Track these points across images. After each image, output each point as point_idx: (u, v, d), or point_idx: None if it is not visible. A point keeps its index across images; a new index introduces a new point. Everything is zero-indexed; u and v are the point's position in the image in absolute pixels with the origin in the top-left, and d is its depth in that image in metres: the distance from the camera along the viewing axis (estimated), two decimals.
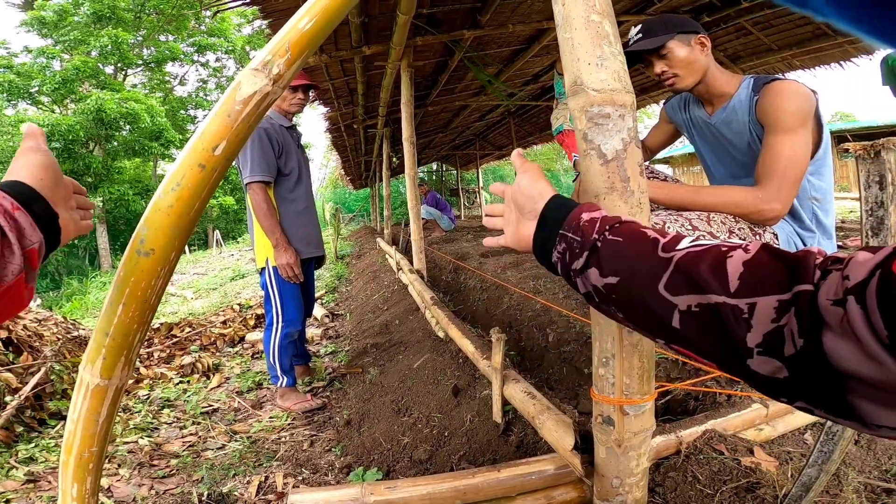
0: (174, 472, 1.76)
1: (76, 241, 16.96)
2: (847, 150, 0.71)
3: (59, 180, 0.61)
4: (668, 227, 1.33)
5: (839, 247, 2.58)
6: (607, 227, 0.52)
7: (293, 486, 1.55)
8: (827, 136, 1.30)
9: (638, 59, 1.40)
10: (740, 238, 1.42)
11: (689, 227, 1.40)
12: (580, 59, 0.77)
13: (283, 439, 1.98)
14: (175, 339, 3.68)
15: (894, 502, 0.91)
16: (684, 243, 0.45)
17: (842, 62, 4.64)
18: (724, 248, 0.41)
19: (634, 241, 0.48)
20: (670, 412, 1.32)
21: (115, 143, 16.36)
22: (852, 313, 0.30)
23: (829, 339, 0.32)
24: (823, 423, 1.17)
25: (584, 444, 0.93)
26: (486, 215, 0.78)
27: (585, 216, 0.55)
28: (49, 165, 0.60)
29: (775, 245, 1.43)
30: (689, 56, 1.34)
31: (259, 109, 0.62)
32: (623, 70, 0.78)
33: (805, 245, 1.43)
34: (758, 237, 1.43)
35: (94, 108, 14.02)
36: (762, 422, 1.13)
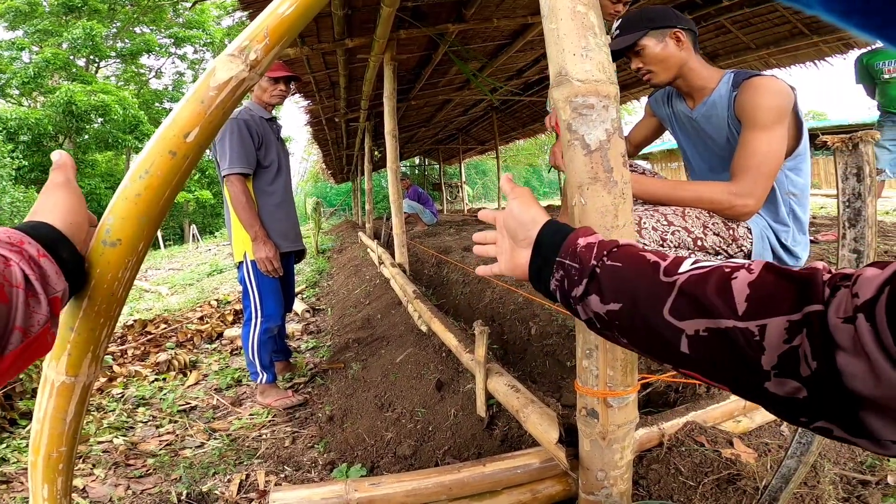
0: (151, 471, 1.71)
1: None
2: (824, 143, 0.72)
3: (86, 220, 0.58)
4: (644, 222, 1.34)
5: (811, 241, 2.65)
6: (605, 252, 0.51)
7: (275, 484, 1.52)
8: (806, 133, 1.31)
9: (622, 54, 1.40)
10: (714, 233, 1.44)
11: (665, 222, 1.41)
12: (565, 49, 0.76)
13: (263, 437, 1.94)
14: (150, 336, 3.58)
15: (869, 493, 0.93)
16: (685, 266, 0.44)
17: (816, 61, 4.78)
18: (727, 270, 0.41)
19: (634, 265, 0.48)
20: (651, 404, 1.34)
21: (87, 136, 15.85)
22: (862, 331, 0.30)
23: (842, 359, 0.31)
24: None
25: (569, 438, 0.94)
26: (477, 244, 0.76)
27: (582, 241, 0.54)
28: (78, 208, 0.57)
29: (748, 239, 1.45)
30: (662, 52, 1.34)
31: (235, 96, 0.59)
32: (608, 61, 0.78)
33: (779, 238, 1.45)
34: (731, 231, 1.45)
35: (63, 101, 13.57)
36: (740, 413, 1.15)
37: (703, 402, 1.13)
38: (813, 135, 1.19)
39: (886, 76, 2.98)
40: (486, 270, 0.75)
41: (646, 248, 0.50)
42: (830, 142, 0.70)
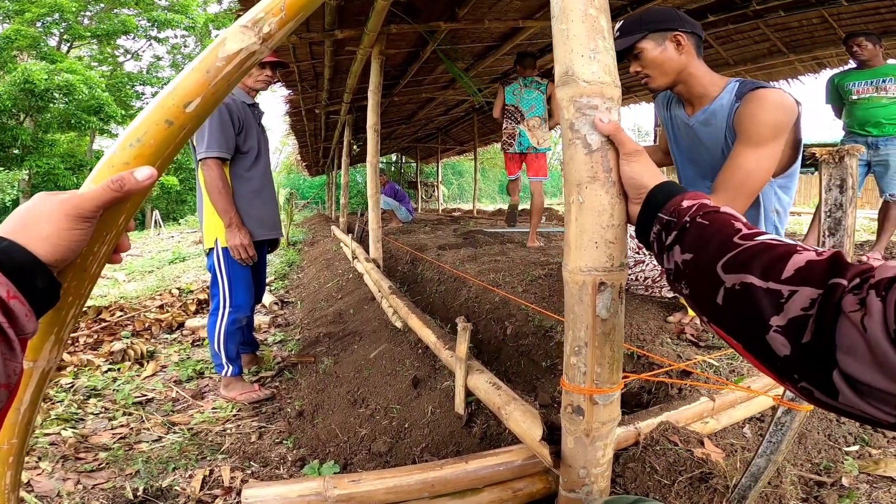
0: (104, 465, 1.61)
1: None
2: (812, 155, 0.76)
3: (80, 251, 0.52)
4: None
5: None
6: (701, 213, 0.55)
7: (241, 481, 1.46)
8: (801, 150, 1.29)
9: (621, 58, 1.38)
10: None
11: None
12: (574, 50, 0.77)
13: (228, 431, 1.87)
14: (104, 324, 3.39)
15: (826, 494, 0.98)
16: (763, 237, 0.47)
17: (790, 79, 5.00)
18: (799, 247, 0.43)
19: (719, 226, 0.52)
20: (625, 405, 1.37)
21: (49, 115, 15.03)
22: (871, 305, 0.33)
23: (842, 327, 0.34)
24: (769, 416, 1.26)
25: (551, 435, 0.94)
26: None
27: (686, 202, 0.58)
28: (79, 248, 0.51)
29: None
30: (659, 56, 1.30)
31: (242, 69, 0.56)
32: (613, 65, 0.79)
33: None
34: None
35: (20, 80, 12.83)
36: (709, 415, 1.19)
37: (675, 402, 1.16)
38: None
39: (855, 97, 3.06)
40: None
41: (738, 217, 0.53)
42: (818, 154, 0.73)
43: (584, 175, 0.77)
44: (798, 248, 0.43)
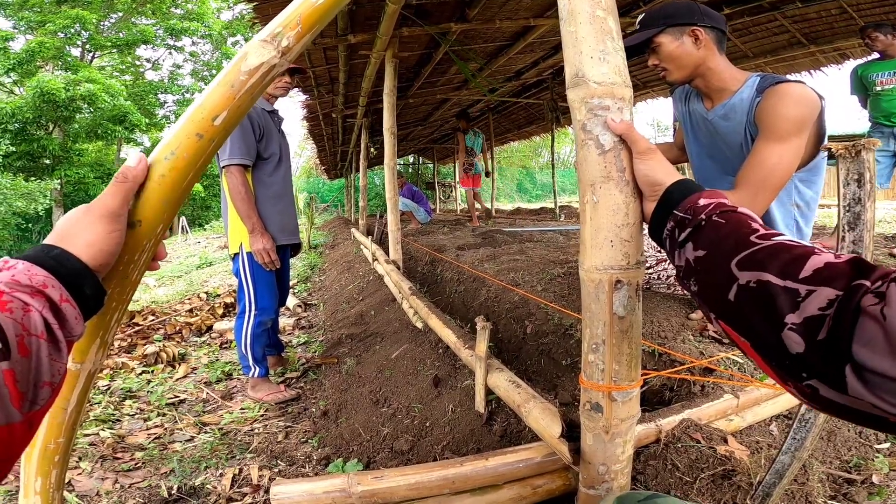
0: (140, 465, 1.68)
1: (31, 226, 16.18)
2: (828, 150, 0.75)
3: (119, 252, 0.56)
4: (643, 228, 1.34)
5: None
6: (718, 211, 0.55)
7: (269, 479, 1.51)
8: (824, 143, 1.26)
9: (640, 51, 1.35)
10: None
11: None
12: (583, 52, 0.78)
13: (256, 431, 1.93)
14: (137, 328, 3.53)
15: (856, 492, 0.96)
16: (780, 238, 0.47)
17: (812, 71, 4.84)
18: (816, 251, 0.43)
19: (735, 225, 0.51)
20: (646, 402, 1.36)
21: (76, 125, 15.64)
22: (891, 295, 0.33)
23: (862, 322, 0.34)
24: (795, 413, 1.23)
25: (570, 432, 0.95)
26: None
27: (703, 201, 0.58)
28: (118, 248, 0.55)
29: None
30: (677, 51, 1.29)
31: (264, 82, 0.59)
32: (623, 65, 0.79)
33: None
34: None
35: (37, 91, 13.42)
36: (733, 412, 1.17)
37: (698, 400, 1.15)
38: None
39: (879, 88, 3.01)
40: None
41: (756, 218, 0.53)
42: (835, 148, 0.72)
43: (597, 175, 0.78)
44: (816, 250, 0.43)
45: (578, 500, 0.93)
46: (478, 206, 7.06)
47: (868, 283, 0.36)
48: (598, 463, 0.87)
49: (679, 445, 0.98)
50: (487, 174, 7.35)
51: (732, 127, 1.32)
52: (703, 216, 0.55)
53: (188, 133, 0.57)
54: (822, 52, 4.45)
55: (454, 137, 12.27)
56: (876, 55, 3.09)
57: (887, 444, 1.14)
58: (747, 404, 1.18)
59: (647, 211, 0.72)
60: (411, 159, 16.52)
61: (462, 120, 6.56)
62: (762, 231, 0.49)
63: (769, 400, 1.21)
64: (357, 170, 8.59)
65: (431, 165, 15.90)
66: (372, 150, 8.17)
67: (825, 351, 0.37)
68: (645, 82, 6.17)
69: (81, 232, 0.53)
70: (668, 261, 1.44)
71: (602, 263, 0.80)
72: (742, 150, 1.32)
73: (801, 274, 0.40)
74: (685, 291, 1.70)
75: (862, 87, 3.15)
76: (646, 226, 0.77)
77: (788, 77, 1.29)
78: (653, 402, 1.34)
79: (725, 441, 1.01)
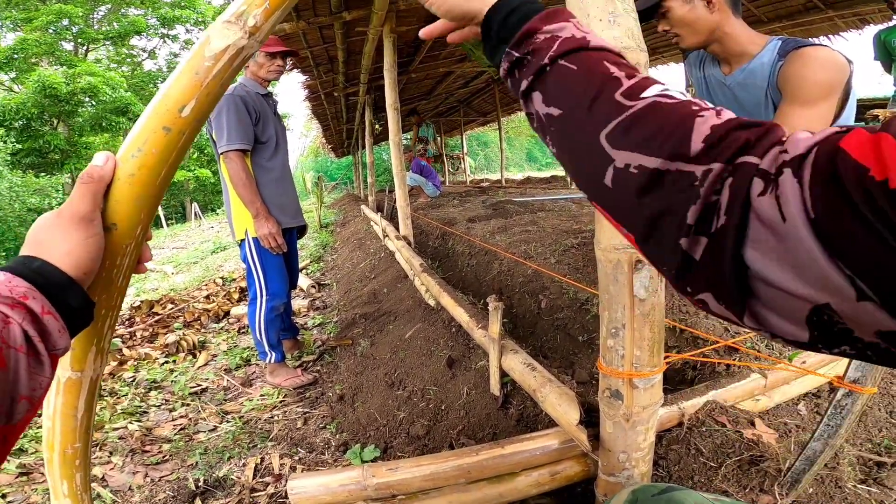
0: (167, 457, 1.72)
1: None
2: (875, 117, 0.67)
3: (100, 259, 0.53)
4: None
5: None
6: (564, 51, 0.42)
7: (290, 468, 1.52)
8: (850, 112, 1.19)
9: (649, 16, 1.28)
10: None
11: None
12: (591, 14, 0.70)
13: (275, 418, 1.95)
14: (157, 317, 3.59)
15: (886, 475, 0.91)
16: (651, 91, 0.37)
17: (830, 36, 4.60)
18: (695, 107, 0.34)
19: (591, 75, 0.40)
20: (668, 382, 1.32)
21: (80, 119, 15.78)
22: (784, 186, 0.27)
23: (753, 216, 0.28)
24: (830, 397, 1.18)
25: (588, 417, 0.91)
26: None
27: (541, 35, 0.43)
28: (98, 254, 0.52)
29: None
30: (688, 15, 1.22)
31: (233, 66, 0.53)
32: (636, 27, 0.71)
33: None
34: None
35: (38, 86, 13.48)
36: (760, 392, 1.12)
37: (724, 380, 1.10)
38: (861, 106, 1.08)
39: None
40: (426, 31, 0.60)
41: (615, 58, 0.41)
42: (882, 115, 0.64)
43: None
44: (693, 106, 0.35)
45: (598, 487, 0.90)
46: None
47: (756, 160, 0.29)
48: (618, 451, 0.84)
49: (703, 429, 0.94)
50: (437, 157, 8.94)
51: (753, 91, 1.27)
52: (546, 60, 0.42)
53: (154, 128, 0.52)
54: (841, 17, 4.20)
55: (458, 111, 12.06)
56: None
57: None
58: (775, 384, 1.12)
59: (470, 35, 0.54)
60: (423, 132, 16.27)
61: (415, 115, 8.43)
62: (626, 83, 0.38)
63: (798, 378, 1.15)
64: (364, 146, 8.49)
65: (439, 138, 15.64)
66: (377, 126, 8.05)
67: (715, 254, 0.30)
68: (654, 48, 5.88)
69: (57, 241, 0.50)
70: None
71: (620, 242, 0.75)
72: (763, 115, 1.27)
73: (692, 148, 0.32)
74: None
75: (886, 52, 3.08)
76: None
77: (812, 40, 1.20)
78: (675, 381, 1.30)
79: (752, 424, 0.96)
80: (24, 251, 0.50)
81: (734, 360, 1.19)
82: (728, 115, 0.34)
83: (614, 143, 0.36)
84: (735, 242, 0.29)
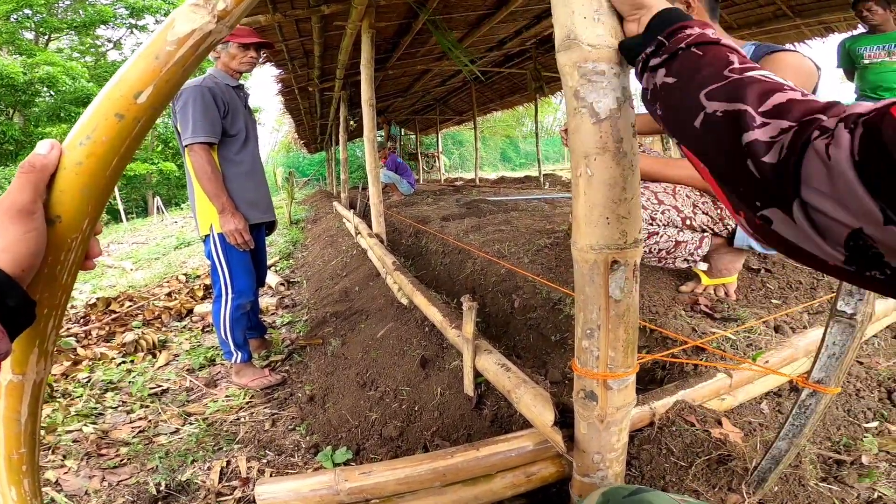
0: (126, 461, 1.63)
1: None
2: None
3: (42, 255, 0.49)
4: None
5: None
6: (698, 42, 0.55)
7: (258, 471, 1.47)
8: None
9: None
10: (704, 212, 1.42)
11: (655, 201, 1.38)
12: (575, 11, 0.69)
13: (242, 420, 1.88)
14: (114, 315, 3.41)
15: (846, 473, 0.95)
16: (755, 72, 0.47)
17: (796, 43, 4.83)
18: (787, 87, 0.43)
19: (712, 57, 0.51)
20: (639, 381, 1.32)
21: (37, 109, 15.07)
22: (839, 136, 0.34)
23: (809, 155, 0.36)
24: (789, 394, 1.23)
25: (563, 419, 0.91)
26: None
27: (688, 31, 0.57)
28: (40, 249, 0.48)
29: (734, 220, 1.44)
30: None
31: (198, 51, 0.50)
32: (620, 27, 0.71)
33: None
34: (720, 211, 1.44)
35: None
36: (726, 392, 1.15)
37: (692, 380, 1.12)
38: None
39: (867, 61, 3.06)
40: None
41: (736, 51, 0.52)
42: None
43: (592, 146, 0.71)
44: (785, 87, 0.43)
45: (573, 488, 0.90)
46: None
47: (824, 118, 0.37)
48: (592, 451, 0.84)
49: (674, 429, 0.96)
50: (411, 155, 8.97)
51: None
52: (682, 45, 0.55)
53: (105, 114, 0.48)
54: (807, 25, 4.43)
55: (434, 109, 12.06)
56: (862, 29, 3.14)
57: (875, 423, 1.13)
58: (740, 383, 1.15)
59: (628, 31, 0.68)
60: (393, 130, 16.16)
61: (382, 116, 9.33)
62: (738, 65, 0.49)
63: (761, 378, 1.19)
64: (338, 142, 8.35)
65: (414, 136, 15.56)
66: (352, 122, 7.92)
67: (778, 179, 0.38)
68: None
69: None
70: (661, 234, 1.40)
71: (597, 242, 0.74)
72: None
73: (763, 107, 0.42)
74: (676, 265, 1.68)
75: (849, 60, 3.21)
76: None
77: (785, 47, 1.26)
78: (645, 380, 1.32)
79: (720, 423, 0.98)
80: None
81: (701, 360, 1.22)
82: (812, 95, 0.42)
83: (709, 97, 0.47)
84: (794, 175, 0.36)
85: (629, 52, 0.66)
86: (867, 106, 0.34)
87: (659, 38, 0.59)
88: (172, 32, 0.49)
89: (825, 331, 0.76)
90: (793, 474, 0.88)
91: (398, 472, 0.92)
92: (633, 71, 0.66)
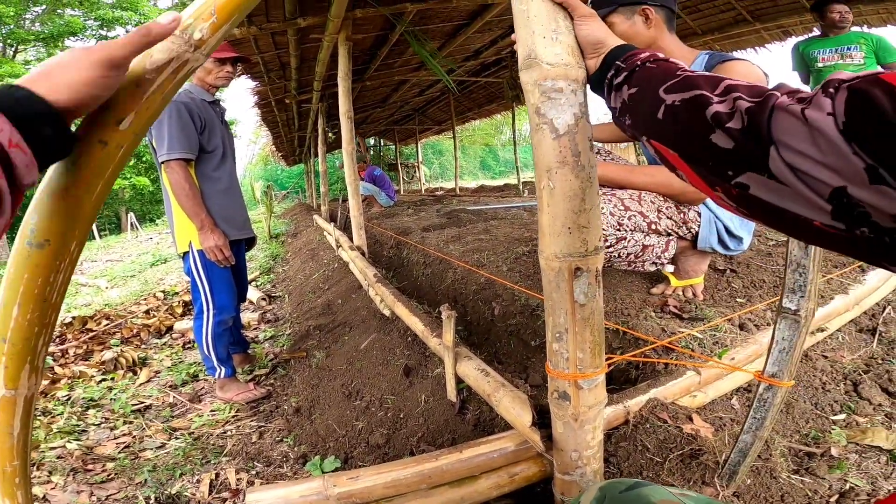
0: (113, 475, 1.61)
1: None
2: None
3: (104, 100, 0.49)
4: (602, 207, 1.35)
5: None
6: (651, 59, 0.62)
7: (247, 482, 1.47)
8: None
9: None
10: (668, 217, 1.50)
11: (622, 207, 1.45)
12: (535, 32, 0.74)
13: (228, 433, 1.87)
14: (91, 334, 3.33)
15: (817, 465, 1.01)
16: (699, 72, 0.53)
17: (757, 47, 5.01)
18: (732, 81, 0.48)
19: (664, 67, 0.59)
20: (613, 381, 1.39)
21: None
22: (818, 100, 0.35)
23: (777, 118, 0.38)
24: (754, 391, 1.28)
25: (541, 419, 0.95)
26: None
27: (642, 55, 0.65)
28: (103, 96, 0.48)
29: (697, 223, 1.51)
30: (629, 31, 1.32)
31: (176, 78, 0.53)
32: (575, 44, 0.77)
33: (725, 225, 1.51)
34: (683, 215, 1.51)
35: None
36: (696, 389, 1.21)
37: (663, 378, 1.18)
38: None
39: (820, 64, 3.09)
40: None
41: (681, 65, 0.59)
42: None
43: (552, 160, 0.76)
44: (730, 79, 0.48)
45: (555, 486, 0.94)
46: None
47: (777, 93, 0.40)
48: (570, 450, 0.88)
49: (647, 426, 1.00)
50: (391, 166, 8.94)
51: None
52: (638, 63, 0.63)
53: (89, 141, 0.50)
54: (766, 30, 4.60)
55: (413, 119, 12.17)
56: (816, 32, 3.18)
57: (843, 416, 1.19)
58: (709, 380, 1.21)
59: (589, 67, 0.76)
60: (372, 141, 16.17)
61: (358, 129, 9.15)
62: (687, 71, 0.56)
63: (729, 374, 1.25)
64: (316, 155, 8.34)
65: (393, 147, 15.61)
66: (330, 134, 7.91)
67: (749, 139, 0.41)
68: None
69: (69, 71, 0.47)
70: (629, 239, 1.46)
71: (560, 251, 0.79)
72: None
73: (717, 91, 0.47)
74: (645, 269, 1.75)
75: (803, 63, 3.22)
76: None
77: (735, 54, 1.34)
78: (620, 380, 1.37)
79: (690, 419, 1.04)
80: (21, 80, 0.46)
81: (671, 358, 1.28)
82: (758, 84, 0.46)
83: (667, 91, 0.52)
84: (765, 130, 0.38)
85: (596, 83, 0.74)
86: (847, 74, 0.36)
87: (617, 62, 0.68)
88: (151, 61, 0.52)
89: (773, 328, 0.83)
90: (764, 467, 0.94)
91: (385, 476, 0.94)
92: (598, 96, 0.75)
